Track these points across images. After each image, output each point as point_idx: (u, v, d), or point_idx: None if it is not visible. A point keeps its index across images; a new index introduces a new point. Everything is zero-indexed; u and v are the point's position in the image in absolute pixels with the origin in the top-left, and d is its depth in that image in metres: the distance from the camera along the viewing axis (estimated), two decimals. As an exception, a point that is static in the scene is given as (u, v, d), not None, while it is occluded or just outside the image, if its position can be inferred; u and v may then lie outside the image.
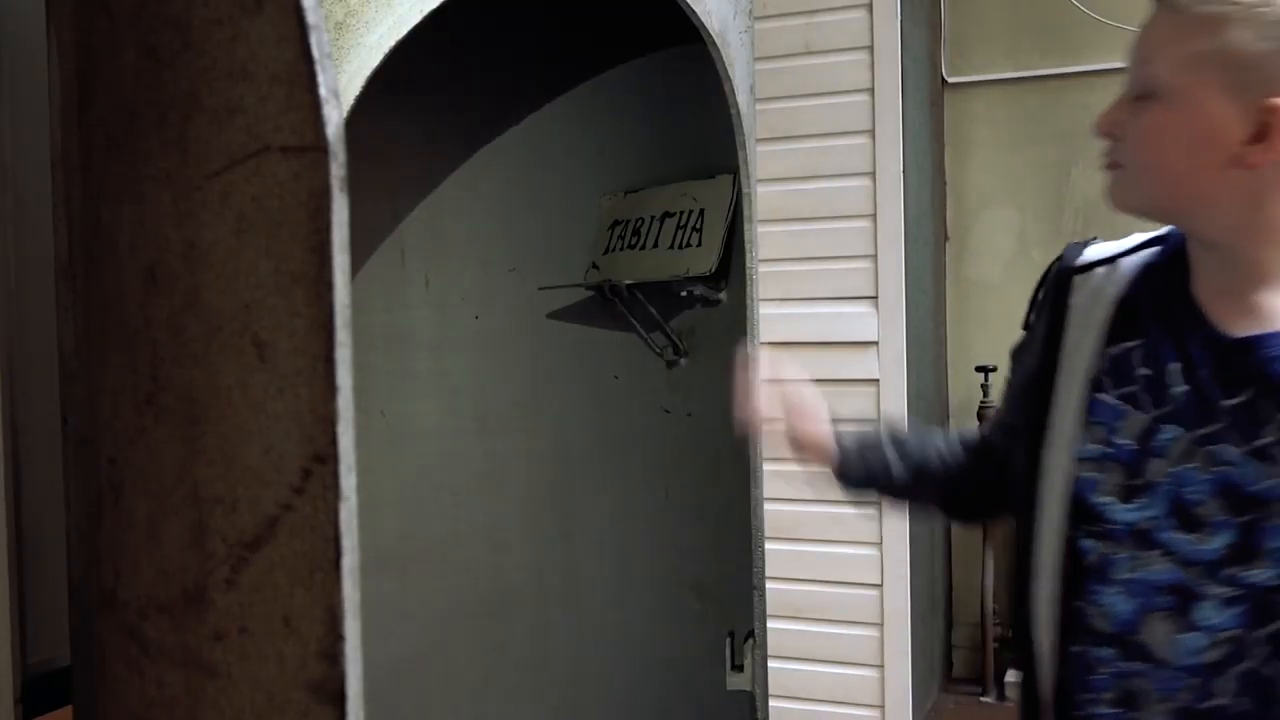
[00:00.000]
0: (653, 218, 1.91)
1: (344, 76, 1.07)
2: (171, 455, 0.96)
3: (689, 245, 1.80)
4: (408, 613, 2.16)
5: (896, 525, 2.97)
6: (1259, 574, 1.00)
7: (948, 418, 3.62)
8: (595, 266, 1.98)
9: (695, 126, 1.97)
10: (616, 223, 1.97)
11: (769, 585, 1.90)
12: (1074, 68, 3.46)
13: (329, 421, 0.88)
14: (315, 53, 0.87)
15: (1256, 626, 1.01)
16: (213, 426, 0.93)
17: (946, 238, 3.63)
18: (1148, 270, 1.16)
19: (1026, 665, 1.12)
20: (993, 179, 3.59)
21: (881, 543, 2.98)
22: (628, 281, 1.87)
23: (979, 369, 3.40)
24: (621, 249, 1.93)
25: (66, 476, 1.11)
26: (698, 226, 1.81)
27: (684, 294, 1.98)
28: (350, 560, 0.89)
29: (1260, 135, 0.98)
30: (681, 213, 1.85)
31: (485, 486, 2.14)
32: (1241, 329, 1.04)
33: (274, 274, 0.90)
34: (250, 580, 0.92)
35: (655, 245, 1.86)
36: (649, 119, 2.04)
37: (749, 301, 1.78)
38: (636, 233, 1.92)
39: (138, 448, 0.99)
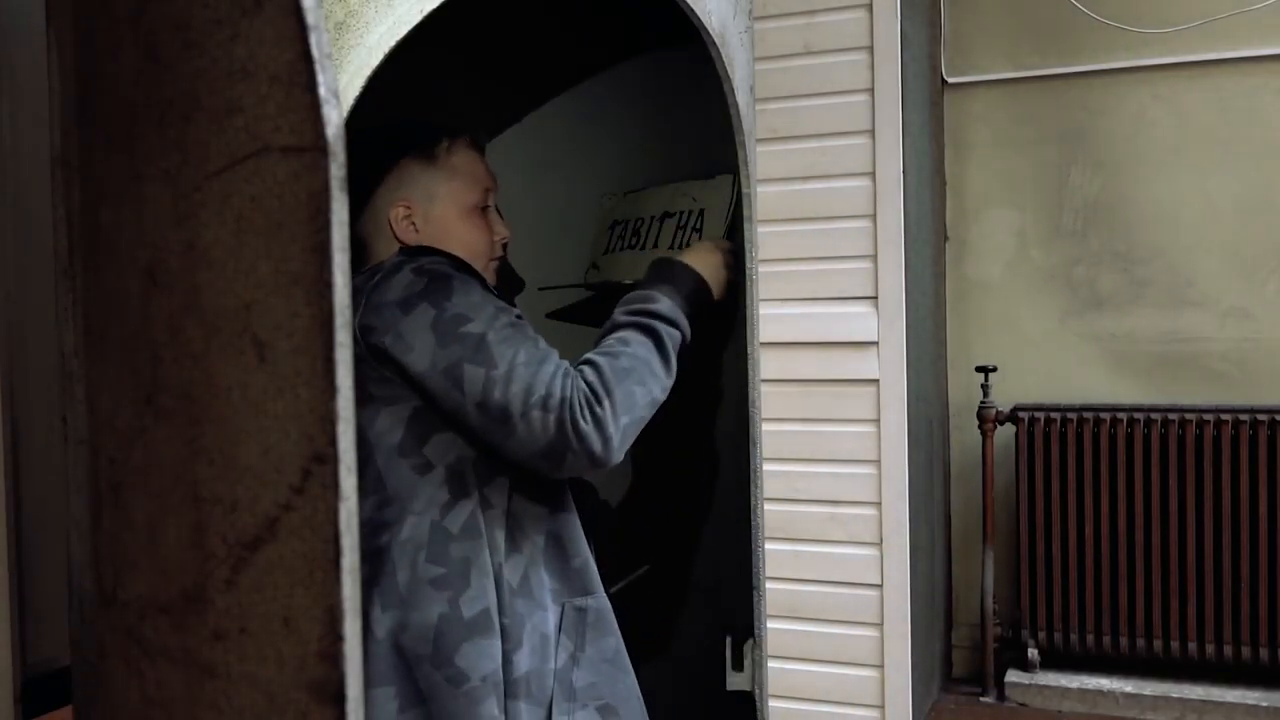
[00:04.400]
0: (652, 218, 1.88)
1: (344, 76, 1.07)
2: (171, 455, 0.96)
3: (686, 245, 1.77)
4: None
5: (896, 525, 2.97)
6: None
7: (948, 418, 3.62)
8: (595, 266, 1.96)
9: (695, 126, 1.97)
10: (616, 223, 1.95)
11: (769, 585, 1.90)
12: (1074, 68, 3.47)
13: (329, 421, 0.88)
14: (315, 53, 0.87)
15: None
16: (213, 426, 0.94)
17: (946, 238, 3.63)
18: None
19: None
20: (993, 179, 3.60)
21: (881, 543, 2.98)
22: (628, 280, 1.86)
23: (979, 369, 3.40)
24: (622, 249, 1.91)
25: (66, 476, 1.12)
26: (697, 227, 1.77)
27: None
28: (350, 560, 0.89)
29: None
30: (681, 213, 1.82)
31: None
32: None
33: (274, 274, 0.90)
34: (250, 580, 0.92)
35: (655, 245, 1.84)
36: (649, 118, 2.04)
37: (749, 301, 1.78)
38: (636, 233, 1.89)
39: (138, 448, 0.99)
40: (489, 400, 1.33)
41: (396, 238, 1.52)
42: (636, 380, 1.39)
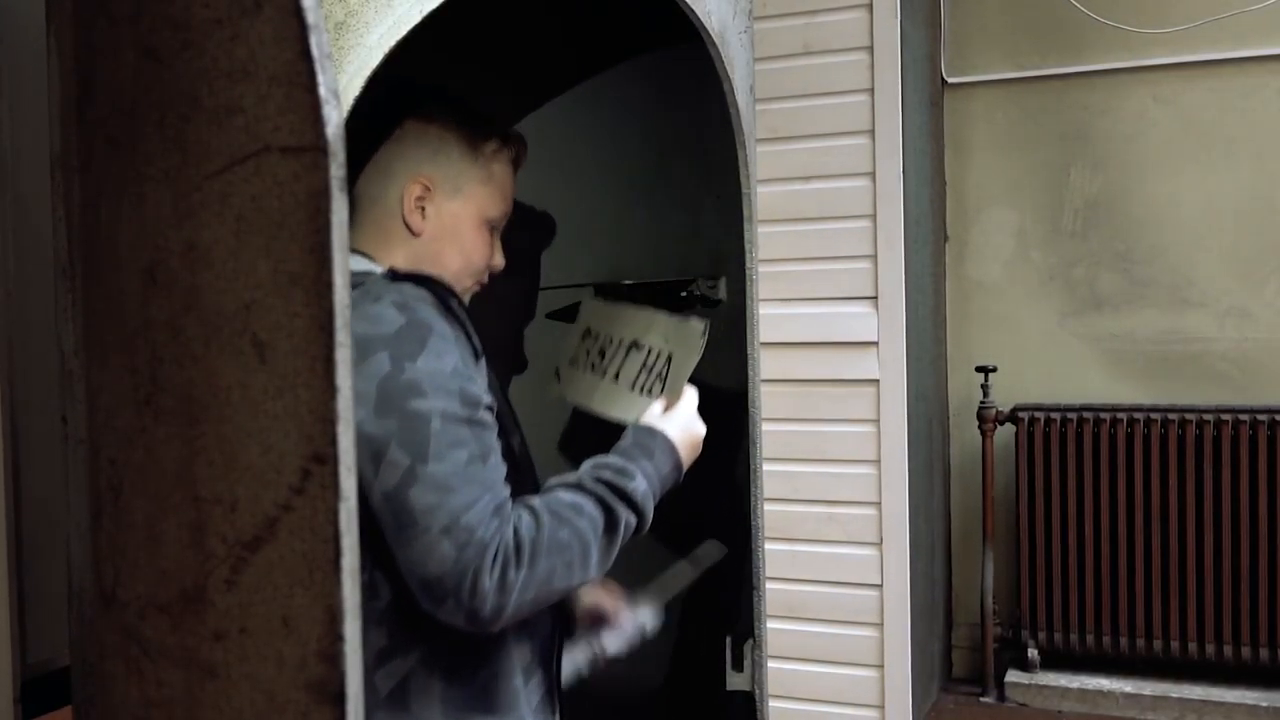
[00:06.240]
0: (621, 342, 1.73)
1: (344, 76, 1.07)
2: (171, 455, 0.96)
3: (649, 392, 1.61)
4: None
5: (896, 525, 2.97)
6: None
7: (947, 418, 3.62)
8: (557, 375, 1.84)
9: (695, 126, 1.97)
10: (589, 332, 1.83)
11: (768, 585, 1.90)
12: (1074, 68, 3.46)
13: (328, 422, 0.88)
14: (315, 53, 0.87)
15: None
16: (212, 427, 0.94)
17: (946, 238, 3.63)
18: None
19: None
20: (993, 179, 3.60)
21: (881, 543, 2.98)
22: (585, 408, 1.74)
23: (979, 369, 3.40)
24: (586, 368, 1.78)
25: (66, 476, 1.12)
26: (663, 374, 1.61)
27: (683, 294, 1.98)
28: (350, 560, 0.89)
29: None
30: (649, 351, 1.66)
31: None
32: None
33: (273, 274, 0.90)
34: (250, 580, 0.92)
35: (616, 378, 1.70)
36: (649, 119, 2.04)
37: (749, 302, 1.78)
38: (602, 354, 1.76)
39: (137, 448, 0.99)
40: (400, 497, 1.13)
41: (404, 218, 1.35)
42: (566, 562, 1.20)
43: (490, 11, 1.94)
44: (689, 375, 1.55)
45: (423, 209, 1.36)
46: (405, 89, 1.39)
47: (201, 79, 0.93)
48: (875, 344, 2.97)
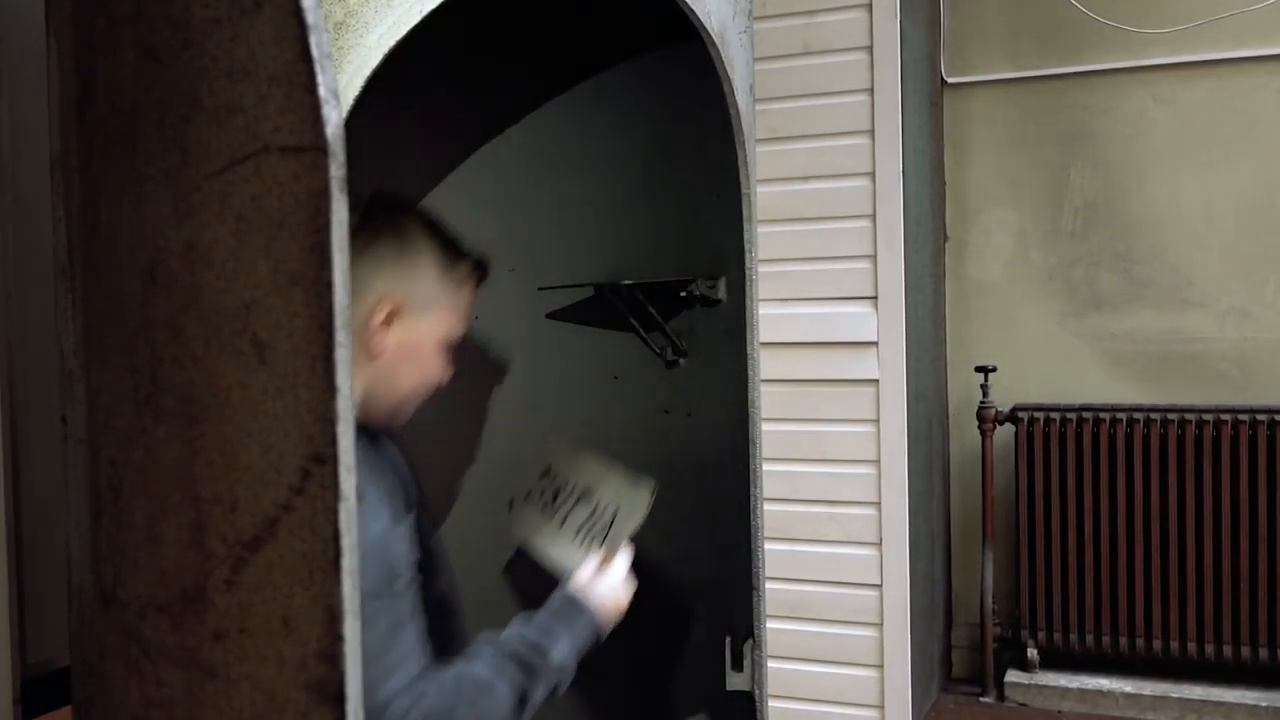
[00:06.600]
0: (574, 488, 1.78)
1: (344, 77, 1.07)
2: (171, 455, 0.96)
3: (589, 543, 1.66)
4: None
5: (896, 525, 2.97)
6: None
7: (947, 417, 3.62)
8: (511, 504, 1.86)
9: (695, 127, 1.97)
10: (548, 472, 1.85)
11: (768, 585, 1.90)
12: (1074, 68, 3.46)
13: (328, 422, 0.88)
14: (315, 53, 0.87)
15: None
16: (212, 427, 0.94)
17: (946, 238, 3.63)
18: None
19: None
20: (992, 179, 3.59)
21: (881, 543, 2.98)
22: (525, 543, 1.78)
23: (979, 369, 3.40)
24: (537, 508, 1.82)
25: (66, 476, 1.12)
26: (605, 529, 1.67)
27: (683, 294, 1.98)
28: (350, 560, 0.89)
29: None
30: (597, 505, 1.72)
31: (484, 487, 2.15)
32: None
33: (273, 274, 0.90)
34: (250, 580, 0.92)
35: (563, 525, 1.75)
36: (648, 118, 2.04)
37: (748, 302, 1.78)
38: (555, 496, 1.80)
39: (137, 448, 0.99)
40: None
41: (367, 337, 1.31)
42: None
43: (490, 12, 1.94)
44: (629, 534, 1.62)
45: (387, 328, 1.33)
46: (385, 200, 1.39)
47: (201, 79, 0.93)
48: (875, 344, 2.97)
